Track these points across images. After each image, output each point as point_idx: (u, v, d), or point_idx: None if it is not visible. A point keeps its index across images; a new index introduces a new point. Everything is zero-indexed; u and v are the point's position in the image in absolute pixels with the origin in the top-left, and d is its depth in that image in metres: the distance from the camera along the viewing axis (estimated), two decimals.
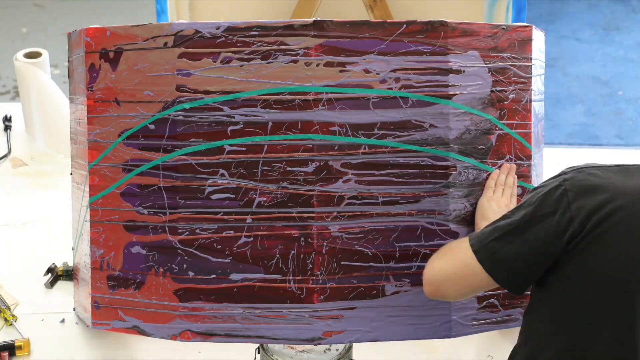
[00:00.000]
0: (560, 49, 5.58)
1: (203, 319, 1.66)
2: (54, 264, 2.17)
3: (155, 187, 1.67)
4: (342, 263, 1.63)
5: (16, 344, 1.88)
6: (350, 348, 1.70)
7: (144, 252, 1.69)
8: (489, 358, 1.89)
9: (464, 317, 1.70)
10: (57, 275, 2.15)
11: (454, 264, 1.48)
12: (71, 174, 1.90)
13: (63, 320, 1.99)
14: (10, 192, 2.60)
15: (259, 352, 1.72)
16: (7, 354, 1.88)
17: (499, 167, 1.70)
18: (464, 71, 1.66)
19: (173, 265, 1.67)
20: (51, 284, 2.14)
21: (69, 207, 1.95)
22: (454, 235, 1.67)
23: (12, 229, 2.41)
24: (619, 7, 6.20)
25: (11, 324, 1.97)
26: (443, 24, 1.64)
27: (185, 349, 1.88)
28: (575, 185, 1.37)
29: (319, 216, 1.63)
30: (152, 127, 1.66)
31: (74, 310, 1.97)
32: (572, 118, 5.10)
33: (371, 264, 1.65)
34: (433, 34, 1.64)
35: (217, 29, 1.63)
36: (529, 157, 1.75)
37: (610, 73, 5.37)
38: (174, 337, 1.69)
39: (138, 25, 1.68)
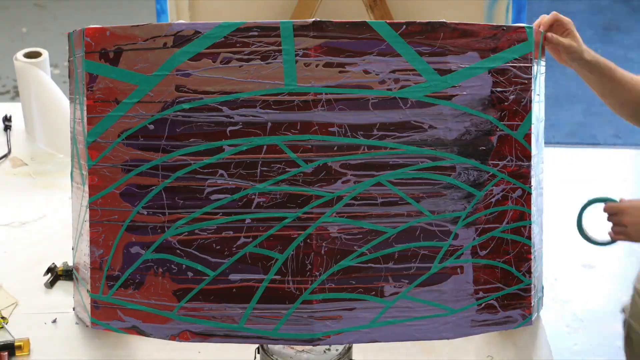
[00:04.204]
0: None
1: (202, 319, 1.67)
2: (54, 263, 2.17)
3: (154, 187, 1.67)
4: (341, 264, 1.64)
5: (16, 344, 1.88)
6: (350, 348, 1.70)
7: (143, 252, 1.69)
8: (489, 358, 1.89)
9: (463, 319, 1.70)
10: (57, 275, 2.15)
11: None
12: (71, 173, 1.90)
13: (55, 321, 1.98)
14: (10, 192, 2.60)
15: (258, 352, 1.72)
16: (6, 353, 1.88)
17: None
18: None
19: (172, 266, 1.67)
20: (51, 283, 2.14)
21: (69, 207, 1.95)
22: (454, 237, 1.67)
23: (12, 229, 2.41)
24: (619, 7, 6.20)
25: (2, 327, 1.97)
26: (443, 24, 1.64)
27: (186, 349, 1.88)
28: None
29: (318, 217, 1.63)
30: (151, 127, 1.67)
31: (73, 310, 1.97)
32: (571, 117, 5.11)
33: (370, 264, 1.65)
34: (433, 35, 1.64)
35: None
36: (529, 158, 1.75)
37: None
38: (172, 337, 1.69)
39: (137, 26, 1.68)
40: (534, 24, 1.84)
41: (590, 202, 1.98)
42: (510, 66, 1.71)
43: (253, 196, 1.64)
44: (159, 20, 3.08)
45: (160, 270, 1.68)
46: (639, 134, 4.99)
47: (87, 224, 1.76)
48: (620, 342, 2.34)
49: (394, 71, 1.63)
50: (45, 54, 2.88)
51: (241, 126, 1.63)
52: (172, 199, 1.66)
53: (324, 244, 1.63)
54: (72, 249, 1.92)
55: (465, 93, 1.66)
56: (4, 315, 2.00)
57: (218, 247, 1.65)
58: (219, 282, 1.65)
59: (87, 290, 1.78)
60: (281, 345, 1.70)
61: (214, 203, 1.64)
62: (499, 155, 1.71)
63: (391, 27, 1.63)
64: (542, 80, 1.84)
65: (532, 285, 1.78)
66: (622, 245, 4.15)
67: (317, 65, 1.61)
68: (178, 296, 1.67)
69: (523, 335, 1.91)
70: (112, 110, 1.70)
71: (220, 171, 1.64)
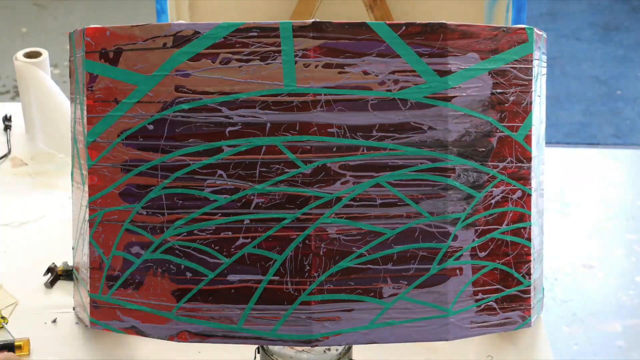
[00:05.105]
0: (560, 48, 5.58)
1: (200, 320, 1.67)
2: (54, 263, 2.17)
3: (153, 188, 1.67)
4: (339, 265, 1.64)
5: (16, 344, 1.88)
6: (350, 348, 1.70)
7: (142, 252, 1.69)
8: (489, 358, 1.89)
9: (462, 320, 1.70)
10: (57, 275, 2.15)
11: None
12: (72, 173, 1.90)
13: (55, 321, 1.99)
14: (10, 192, 2.60)
15: (258, 352, 1.72)
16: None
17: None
18: None
19: (171, 266, 1.67)
20: (51, 283, 2.14)
21: (69, 207, 1.95)
22: (453, 238, 1.67)
23: (12, 229, 2.41)
24: (619, 6, 6.20)
25: (2, 327, 1.97)
26: (442, 25, 1.64)
27: (186, 349, 1.88)
28: None
29: (317, 218, 1.63)
30: (150, 127, 1.67)
31: (73, 309, 1.98)
32: (570, 117, 5.11)
33: (369, 266, 1.65)
34: (432, 36, 1.64)
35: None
36: (529, 160, 1.75)
37: (609, 72, 5.37)
38: (171, 337, 1.69)
39: (137, 26, 1.68)
40: None
41: None
42: (511, 67, 1.71)
43: (252, 197, 1.64)
44: (159, 20, 3.08)
45: (160, 270, 1.68)
46: (639, 134, 5.00)
47: (87, 223, 1.76)
48: (620, 342, 2.34)
49: (393, 72, 1.63)
50: (45, 54, 2.88)
51: (240, 127, 1.63)
52: (171, 200, 1.66)
53: (322, 245, 1.63)
54: (72, 248, 1.92)
55: (465, 94, 1.66)
56: (4, 315, 2.00)
57: (217, 248, 1.65)
58: (217, 283, 1.65)
59: (87, 290, 1.78)
60: (281, 346, 1.70)
61: (213, 203, 1.64)
62: (499, 156, 1.71)
63: (391, 28, 1.63)
64: (543, 81, 1.84)
65: (532, 287, 1.78)
66: (622, 245, 4.16)
67: (316, 66, 1.61)
68: (177, 296, 1.67)
69: (523, 335, 1.91)
70: (112, 110, 1.70)
71: (219, 172, 1.64)
